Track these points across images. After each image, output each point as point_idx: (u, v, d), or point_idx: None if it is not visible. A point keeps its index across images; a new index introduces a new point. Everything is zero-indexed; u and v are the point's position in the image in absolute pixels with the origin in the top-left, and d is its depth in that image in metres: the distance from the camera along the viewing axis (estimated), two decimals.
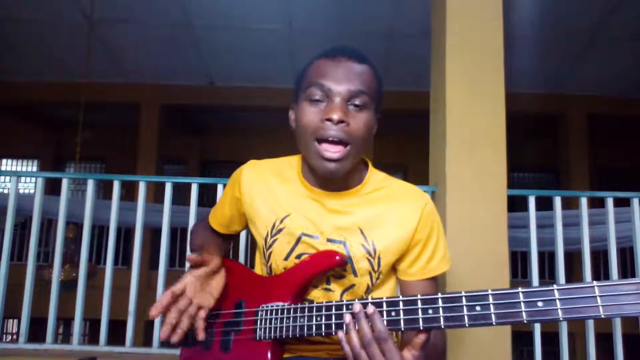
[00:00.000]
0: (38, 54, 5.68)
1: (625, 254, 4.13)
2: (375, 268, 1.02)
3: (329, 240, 1.02)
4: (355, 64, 0.99)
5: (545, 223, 2.95)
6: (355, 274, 1.02)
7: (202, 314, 0.98)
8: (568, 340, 2.58)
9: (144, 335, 5.69)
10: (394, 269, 1.07)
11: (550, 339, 3.22)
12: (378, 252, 1.01)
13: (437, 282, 1.08)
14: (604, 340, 2.76)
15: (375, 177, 1.09)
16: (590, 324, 2.55)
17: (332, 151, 0.96)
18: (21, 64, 5.94)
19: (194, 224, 1.30)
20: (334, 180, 1.02)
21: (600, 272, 5.96)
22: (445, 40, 2.49)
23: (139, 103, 6.59)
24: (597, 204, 3.13)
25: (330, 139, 0.96)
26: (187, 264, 1.09)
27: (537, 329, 2.51)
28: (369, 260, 1.01)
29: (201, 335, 0.97)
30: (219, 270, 1.06)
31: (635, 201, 2.66)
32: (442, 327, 0.77)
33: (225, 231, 1.19)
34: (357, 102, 0.97)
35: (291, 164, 1.12)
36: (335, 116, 0.94)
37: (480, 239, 2.33)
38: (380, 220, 1.03)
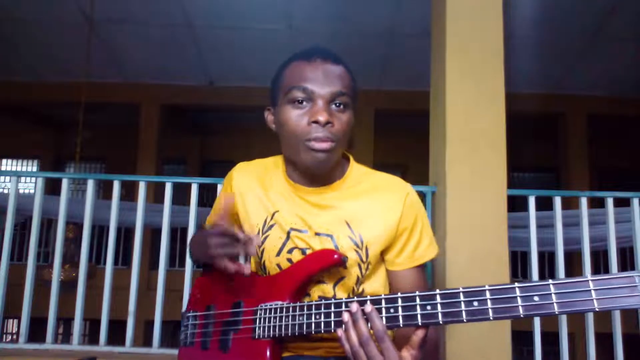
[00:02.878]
0: (38, 54, 5.67)
1: (625, 254, 4.13)
2: (364, 259, 1.05)
3: (317, 234, 1.05)
4: (332, 65, 1.03)
5: (545, 223, 2.95)
6: (344, 266, 1.04)
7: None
8: (568, 340, 2.57)
9: (144, 335, 5.69)
10: (382, 259, 1.09)
11: (551, 339, 3.21)
12: (365, 243, 1.04)
13: (425, 271, 1.11)
14: (604, 340, 2.75)
15: (356, 170, 1.12)
16: (590, 324, 2.55)
17: (321, 143, 0.99)
18: (21, 64, 5.94)
19: (190, 238, 1.27)
20: (317, 176, 1.06)
21: (601, 272, 5.95)
22: (445, 40, 2.49)
23: (139, 103, 6.59)
24: (597, 204, 3.13)
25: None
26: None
27: (537, 328, 2.50)
28: (356, 251, 1.04)
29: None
30: None
31: (635, 201, 2.66)
32: (441, 322, 0.78)
33: None
34: (338, 102, 1.01)
35: (276, 163, 1.16)
36: (322, 118, 0.98)
37: (480, 239, 2.33)
38: (365, 212, 1.06)
